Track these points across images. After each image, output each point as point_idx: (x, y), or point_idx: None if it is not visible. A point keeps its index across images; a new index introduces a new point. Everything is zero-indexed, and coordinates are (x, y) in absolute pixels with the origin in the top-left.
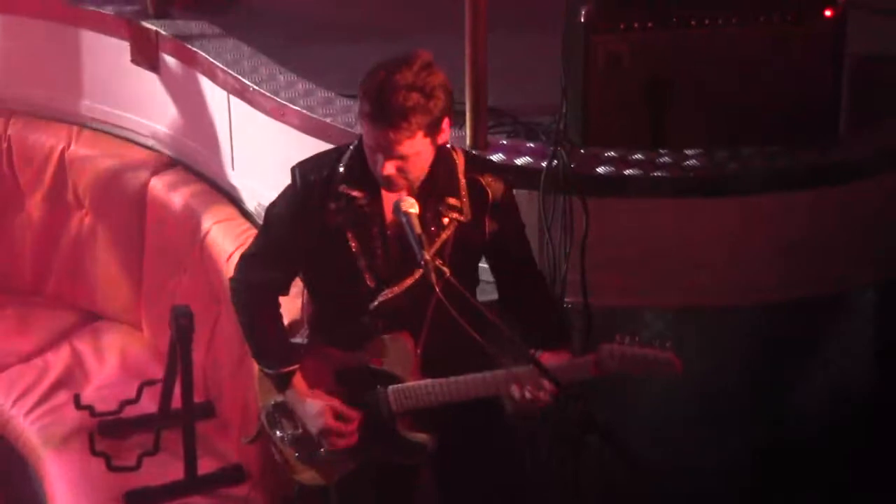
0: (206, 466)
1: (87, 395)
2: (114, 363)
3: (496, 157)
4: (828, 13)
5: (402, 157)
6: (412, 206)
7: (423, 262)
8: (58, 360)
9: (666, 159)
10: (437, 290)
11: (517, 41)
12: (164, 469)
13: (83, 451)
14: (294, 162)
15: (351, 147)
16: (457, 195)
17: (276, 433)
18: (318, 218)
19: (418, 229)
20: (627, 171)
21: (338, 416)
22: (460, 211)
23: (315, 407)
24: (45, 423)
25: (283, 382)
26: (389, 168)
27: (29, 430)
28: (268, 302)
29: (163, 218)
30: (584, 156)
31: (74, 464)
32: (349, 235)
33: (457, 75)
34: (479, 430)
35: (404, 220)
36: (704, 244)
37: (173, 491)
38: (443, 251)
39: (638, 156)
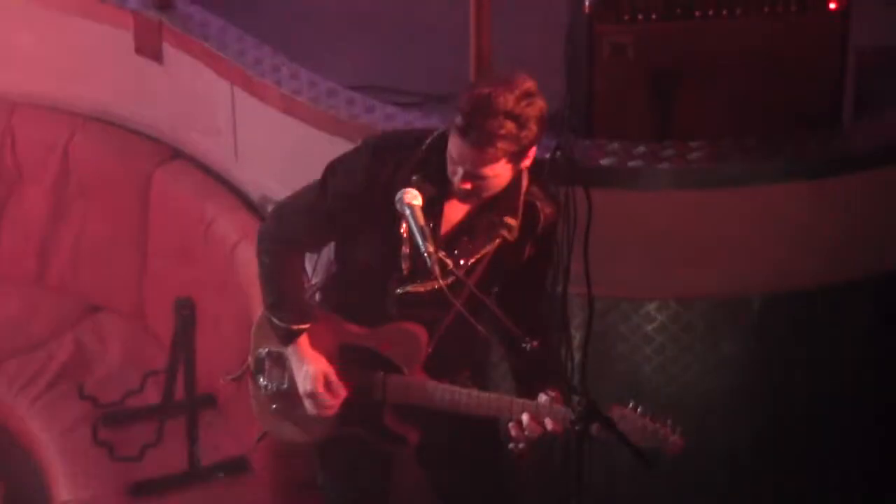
0: (208, 457)
1: (91, 386)
2: (117, 354)
3: None
4: (832, 4)
5: (482, 178)
6: (415, 199)
7: (426, 254)
8: (61, 350)
9: (670, 151)
10: (441, 282)
11: (521, 31)
12: (167, 460)
13: (86, 441)
14: (298, 153)
15: (431, 138)
16: (514, 215)
17: (259, 379)
18: (378, 194)
19: (421, 221)
20: (631, 163)
21: (329, 385)
22: (510, 230)
23: (312, 369)
24: (49, 413)
25: (290, 337)
26: (467, 184)
27: (32, 420)
28: (296, 258)
29: (166, 209)
30: (587, 147)
31: (77, 454)
32: (404, 222)
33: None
34: (464, 436)
35: (407, 212)
36: (708, 236)
37: (176, 481)
38: (478, 263)
39: (642, 147)
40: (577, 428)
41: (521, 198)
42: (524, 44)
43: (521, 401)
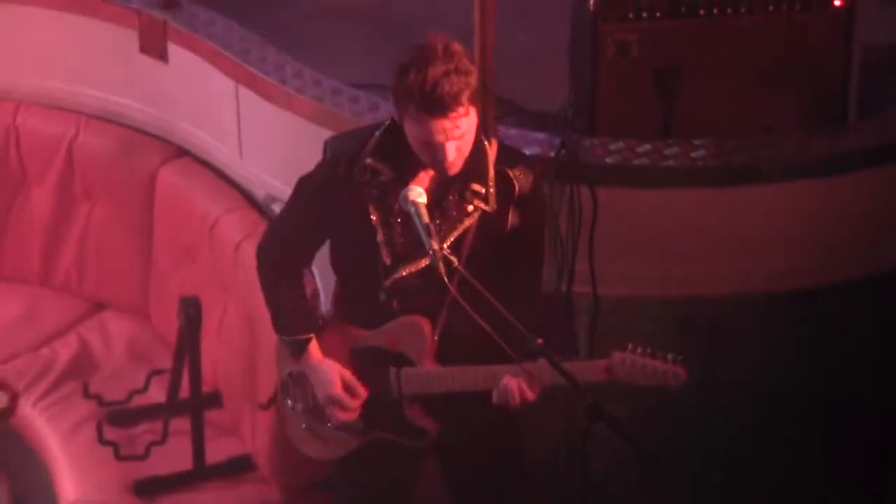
0: (214, 456)
1: (96, 385)
2: (122, 352)
3: None
4: (837, 2)
5: (461, 136)
6: (420, 196)
7: (431, 252)
8: (66, 349)
9: (674, 149)
10: (446, 281)
11: (526, 29)
12: (173, 458)
13: (91, 440)
14: (302, 152)
15: (384, 124)
16: (483, 183)
17: (287, 402)
18: (343, 189)
19: (426, 218)
20: (636, 161)
21: (347, 387)
22: (485, 199)
23: (327, 373)
24: (54, 412)
25: (298, 349)
26: (452, 151)
27: (37, 419)
28: (290, 271)
29: (171, 208)
30: (592, 145)
31: (82, 453)
32: (371, 208)
33: None
34: (483, 423)
35: (412, 209)
36: (713, 234)
37: (181, 480)
38: (463, 238)
39: (646, 145)
40: (582, 426)
41: (490, 167)
42: (529, 42)
43: (505, 366)
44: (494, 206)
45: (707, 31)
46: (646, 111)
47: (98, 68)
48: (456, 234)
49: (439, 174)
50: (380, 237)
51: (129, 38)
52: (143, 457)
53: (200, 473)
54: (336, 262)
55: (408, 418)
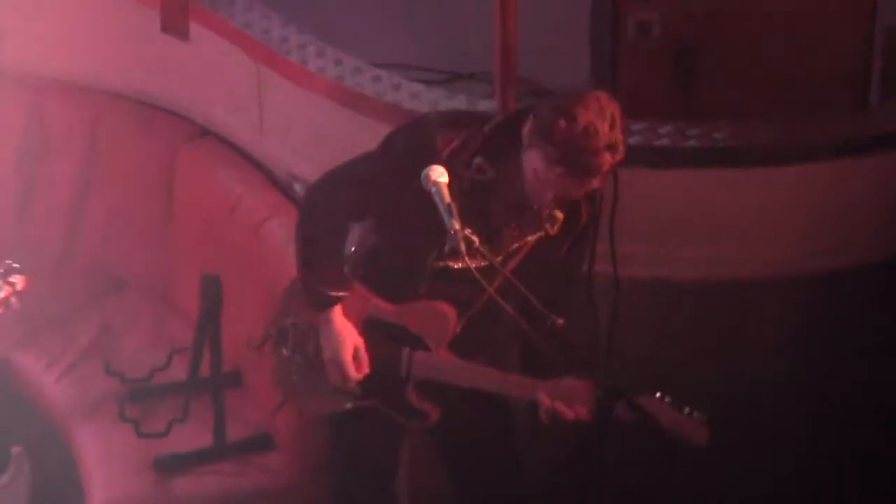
0: (234, 434)
1: (117, 362)
2: (143, 330)
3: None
4: None
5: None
6: (441, 176)
7: (452, 232)
8: (88, 327)
9: (696, 130)
10: (468, 261)
11: (547, 9)
12: (193, 436)
13: (113, 417)
14: (324, 131)
15: (493, 123)
16: (562, 209)
17: (282, 350)
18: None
19: (447, 199)
20: (657, 142)
21: (356, 357)
22: (554, 224)
23: (344, 337)
24: (75, 389)
25: (326, 304)
26: (555, 201)
27: (59, 396)
28: (343, 223)
29: (193, 186)
30: None
31: (104, 430)
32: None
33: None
34: (479, 410)
35: (433, 189)
36: (734, 215)
37: (202, 457)
38: (518, 251)
39: (668, 126)
40: (602, 409)
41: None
42: (550, 22)
43: (546, 382)
44: (557, 232)
45: (728, 11)
46: (667, 91)
47: (120, 48)
48: (518, 244)
49: (530, 202)
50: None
51: (150, 18)
52: (164, 434)
53: (221, 451)
54: (385, 227)
55: (409, 400)
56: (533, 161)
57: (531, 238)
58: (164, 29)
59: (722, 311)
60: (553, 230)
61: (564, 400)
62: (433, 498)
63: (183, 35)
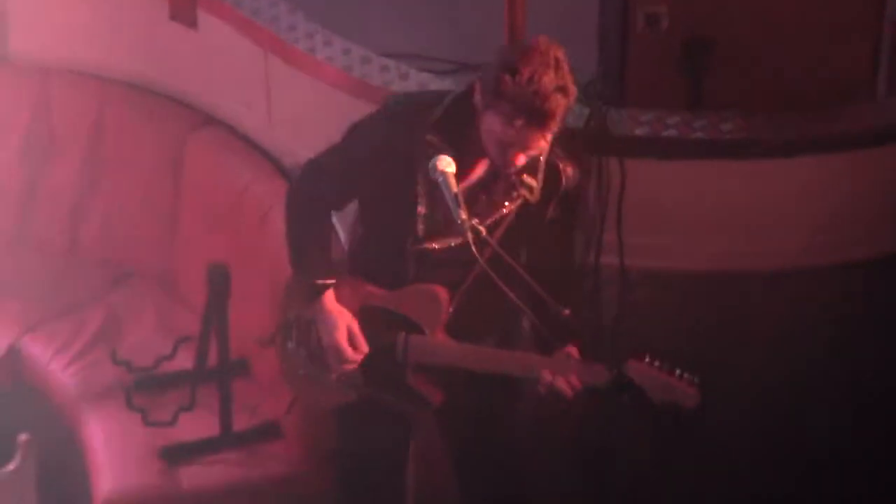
0: (241, 423)
1: (124, 351)
2: (150, 319)
3: None
4: None
5: (537, 150)
6: (448, 166)
7: (459, 222)
8: (94, 315)
9: (703, 121)
10: (475, 250)
11: (555, 0)
12: (200, 425)
13: (120, 406)
14: (331, 120)
15: (448, 99)
16: (534, 174)
17: (287, 344)
18: (395, 152)
19: (455, 188)
20: (665, 133)
21: (351, 338)
22: (531, 190)
23: (337, 320)
24: (82, 378)
25: (315, 293)
26: (523, 158)
27: (66, 385)
28: (323, 214)
29: (200, 175)
30: (621, 117)
31: (111, 419)
32: (419, 179)
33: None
34: (486, 394)
35: (440, 179)
36: (741, 207)
37: (209, 446)
38: (499, 223)
39: (676, 117)
40: (608, 399)
41: (542, 159)
42: (558, 12)
43: (545, 358)
44: (538, 198)
45: (737, 3)
46: (675, 83)
47: (128, 36)
48: (495, 216)
49: (502, 170)
50: (421, 209)
51: (159, 6)
52: (171, 423)
53: (227, 440)
54: (365, 216)
55: (410, 385)
56: (490, 123)
57: (509, 207)
58: (173, 17)
59: (729, 303)
60: (532, 196)
61: (565, 376)
62: (438, 492)
63: (191, 23)
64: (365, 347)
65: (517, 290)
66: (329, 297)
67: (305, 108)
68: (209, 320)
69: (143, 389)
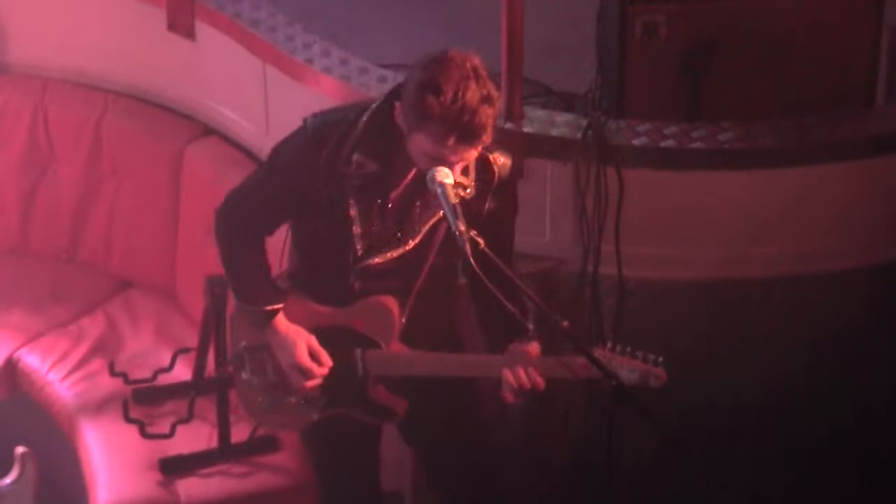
0: (239, 434)
1: (122, 363)
2: (148, 331)
3: (530, 128)
4: None
5: (471, 159)
6: (447, 177)
7: (457, 234)
8: (92, 327)
9: (701, 131)
10: (473, 262)
11: (553, 10)
12: (198, 437)
13: (117, 418)
14: None
15: (368, 113)
16: (465, 173)
17: (241, 375)
18: (324, 177)
19: (453, 199)
20: (663, 143)
21: (312, 354)
22: (465, 188)
23: (294, 341)
24: (80, 389)
25: (265, 320)
26: (458, 171)
27: (63, 396)
28: (256, 241)
29: (198, 186)
30: (619, 127)
31: (108, 431)
32: (350, 202)
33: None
34: (446, 400)
35: (439, 190)
36: (740, 216)
37: (207, 458)
38: (439, 225)
39: (673, 127)
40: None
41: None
42: (556, 23)
43: (504, 357)
44: (473, 193)
45: (735, 13)
46: (673, 93)
47: (126, 46)
48: (434, 220)
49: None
50: (356, 230)
51: (156, 16)
52: (169, 435)
53: (226, 452)
54: (300, 240)
55: (372, 398)
56: (420, 144)
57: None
58: (171, 27)
59: (728, 312)
60: (468, 194)
61: (525, 369)
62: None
63: (189, 34)
64: (328, 360)
65: (454, 289)
66: (280, 320)
67: (303, 119)
68: (207, 332)
69: (141, 401)
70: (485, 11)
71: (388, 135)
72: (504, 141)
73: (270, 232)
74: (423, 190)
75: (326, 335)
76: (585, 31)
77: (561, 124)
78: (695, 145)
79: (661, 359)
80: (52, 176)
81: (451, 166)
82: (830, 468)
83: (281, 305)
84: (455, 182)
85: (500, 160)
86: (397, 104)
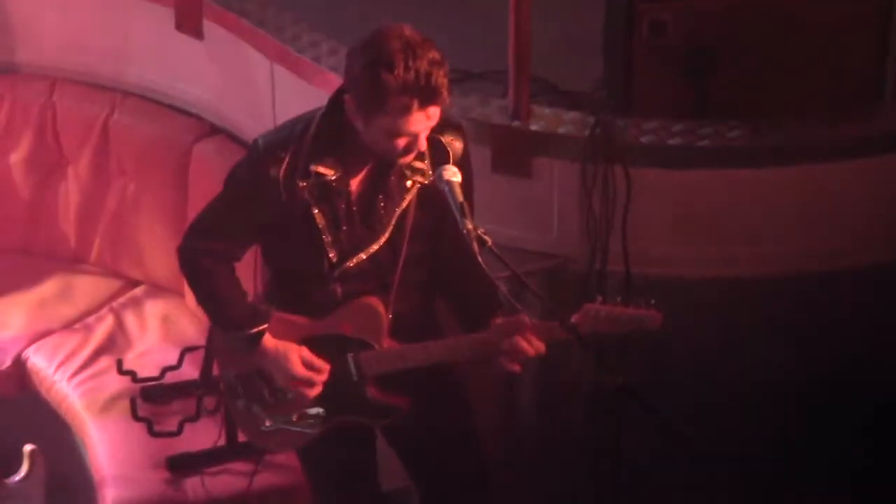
0: None
1: (130, 361)
2: (156, 329)
3: (537, 126)
4: None
5: (432, 124)
6: (455, 175)
7: (465, 231)
8: (101, 326)
9: (709, 129)
10: (479, 260)
11: (561, 7)
12: (205, 435)
13: (125, 416)
14: None
15: (315, 123)
16: (421, 158)
17: (237, 405)
18: (284, 194)
19: (460, 198)
20: (670, 141)
21: (308, 364)
22: (423, 173)
23: (287, 356)
24: (88, 388)
25: (253, 343)
26: (423, 140)
27: (72, 394)
28: (226, 269)
29: (206, 185)
30: (626, 125)
31: (116, 429)
32: (315, 213)
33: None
34: (426, 396)
35: (446, 188)
36: (746, 215)
37: (214, 456)
38: (406, 215)
39: (681, 126)
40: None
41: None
42: (564, 20)
43: (491, 333)
44: (431, 177)
45: (743, 10)
46: (681, 91)
47: (133, 45)
48: (398, 212)
49: (389, 162)
50: (327, 239)
51: (164, 15)
52: (177, 433)
53: (233, 450)
54: (272, 259)
55: (372, 400)
56: (382, 125)
57: (407, 198)
58: (179, 26)
59: (735, 310)
60: (426, 178)
61: (522, 336)
62: None
63: (197, 33)
64: (325, 365)
65: (431, 276)
66: (268, 339)
67: None
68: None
69: (149, 400)
70: (492, 9)
71: (341, 137)
72: (452, 120)
73: (238, 258)
74: (384, 182)
75: (317, 345)
76: (592, 29)
77: (568, 122)
78: (702, 143)
79: (653, 301)
80: (59, 175)
81: (416, 140)
82: (830, 468)
83: (266, 326)
84: (412, 167)
85: (453, 141)
86: (347, 98)
